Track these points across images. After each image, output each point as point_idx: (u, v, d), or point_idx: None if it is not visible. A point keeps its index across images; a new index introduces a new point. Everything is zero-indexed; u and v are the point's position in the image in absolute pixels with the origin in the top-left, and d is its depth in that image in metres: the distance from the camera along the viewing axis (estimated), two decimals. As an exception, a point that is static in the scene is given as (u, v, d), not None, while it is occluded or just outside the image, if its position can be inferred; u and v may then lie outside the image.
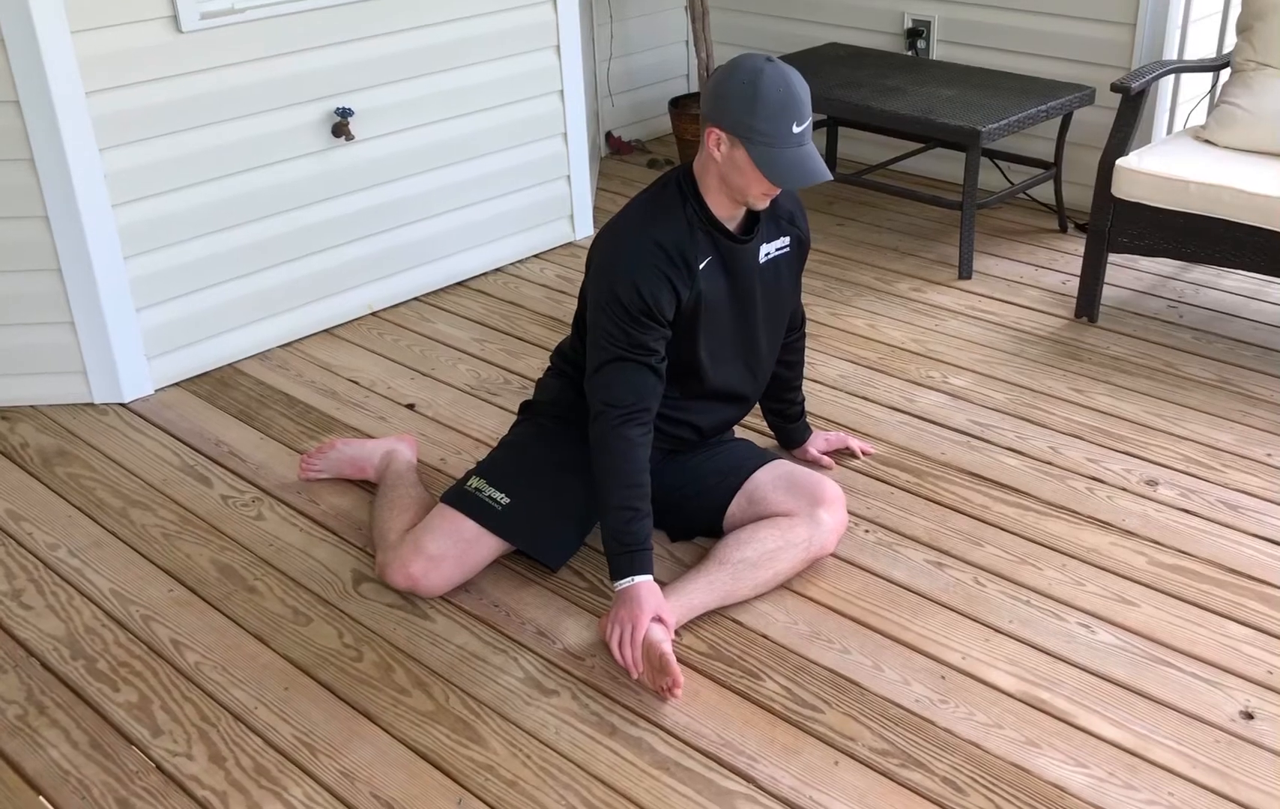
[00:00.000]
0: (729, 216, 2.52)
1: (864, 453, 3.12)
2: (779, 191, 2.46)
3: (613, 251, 2.48)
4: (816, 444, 3.08)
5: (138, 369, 3.54)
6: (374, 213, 3.99)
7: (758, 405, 2.98)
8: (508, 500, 2.61)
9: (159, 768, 2.25)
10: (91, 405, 3.53)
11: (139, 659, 2.52)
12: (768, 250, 2.62)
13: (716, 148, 2.39)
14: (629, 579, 2.41)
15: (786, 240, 2.66)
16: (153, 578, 2.78)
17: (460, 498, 2.65)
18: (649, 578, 2.42)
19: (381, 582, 2.69)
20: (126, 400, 3.54)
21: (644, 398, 2.45)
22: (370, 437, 3.29)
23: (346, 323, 4.02)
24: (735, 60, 2.39)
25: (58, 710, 2.39)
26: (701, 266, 2.49)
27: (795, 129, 2.34)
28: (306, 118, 3.72)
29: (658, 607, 2.40)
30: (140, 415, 3.48)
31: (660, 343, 2.46)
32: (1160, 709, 2.31)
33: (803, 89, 2.37)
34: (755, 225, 2.57)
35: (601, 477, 2.45)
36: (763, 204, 2.48)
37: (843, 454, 3.12)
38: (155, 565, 2.82)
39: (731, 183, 2.42)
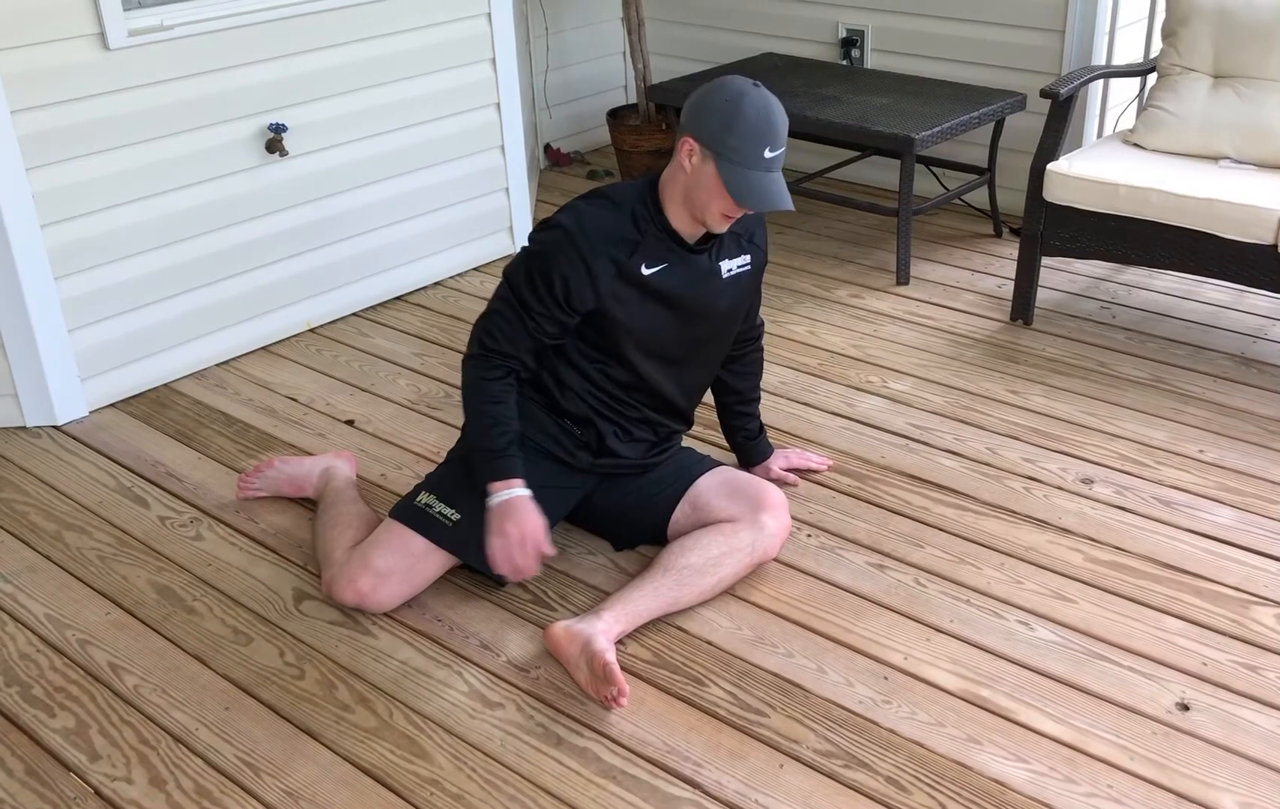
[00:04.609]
0: (689, 232, 2.55)
1: (827, 468, 3.13)
2: (736, 218, 2.50)
3: (544, 227, 2.51)
4: (777, 462, 3.06)
5: (71, 391, 3.49)
6: (310, 229, 3.96)
7: (718, 422, 3.03)
8: (458, 516, 2.59)
9: (98, 793, 2.21)
10: (24, 428, 3.47)
11: (76, 684, 2.48)
12: (729, 267, 2.65)
13: (688, 158, 2.44)
14: (504, 489, 2.50)
15: (748, 258, 2.70)
16: (89, 601, 2.73)
17: (410, 513, 2.63)
18: (522, 486, 2.52)
19: (328, 598, 2.67)
20: (60, 423, 3.49)
21: (516, 351, 2.54)
22: (309, 454, 3.26)
23: (284, 340, 3.98)
24: (721, 79, 2.45)
25: (-8, 739, 2.35)
26: (650, 271, 2.52)
27: (767, 154, 2.40)
28: (239, 134, 3.69)
29: (537, 519, 2.51)
30: (75, 438, 3.42)
31: (553, 326, 2.52)
32: (1098, 703, 2.34)
33: (781, 119, 2.43)
34: (711, 240, 2.60)
35: (466, 403, 2.56)
36: (720, 227, 2.52)
37: (804, 471, 3.12)
38: (91, 589, 2.77)
39: (695, 198, 2.47)
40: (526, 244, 2.54)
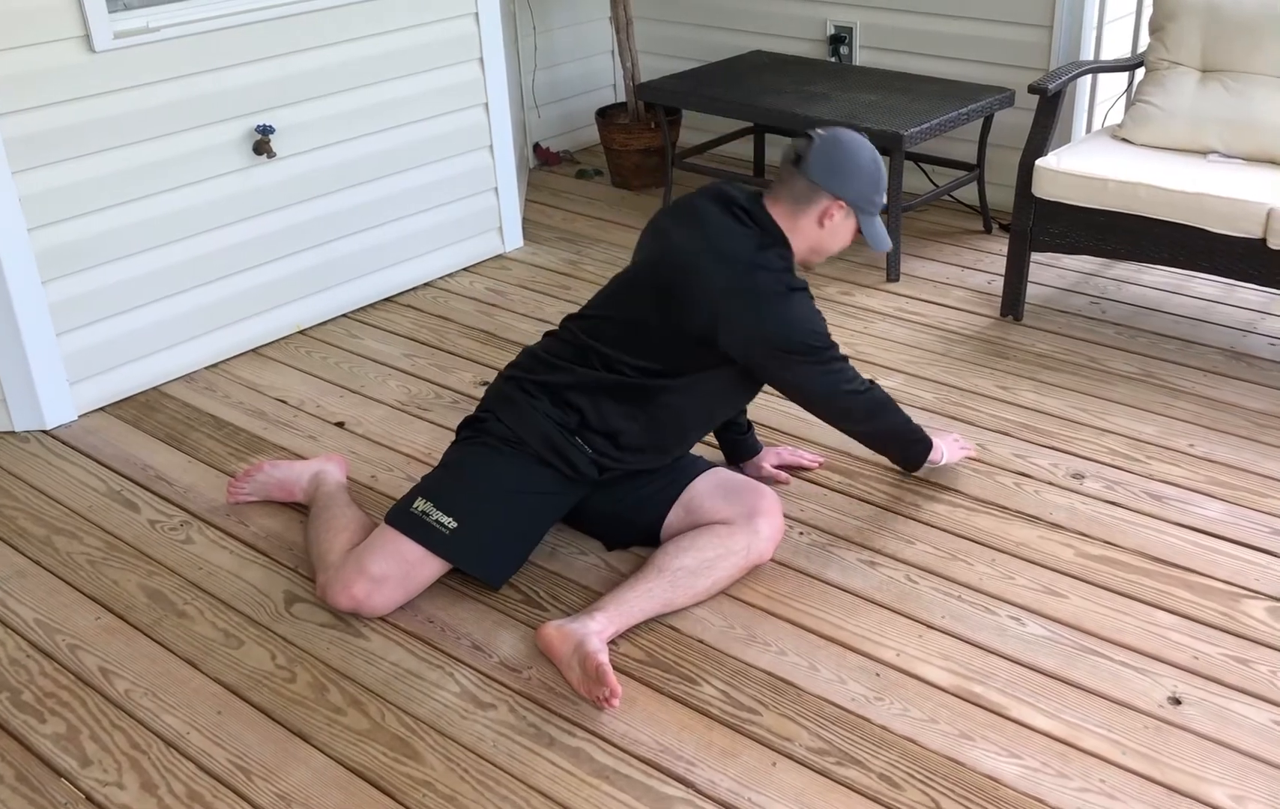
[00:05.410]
0: None
1: (818, 465, 3.13)
2: None
3: (773, 306, 2.57)
4: (769, 460, 3.07)
5: (60, 395, 3.48)
6: (299, 230, 3.95)
7: None
8: (455, 524, 2.58)
9: (89, 798, 2.20)
10: (12, 433, 3.46)
11: (66, 689, 2.47)
12: None
13: (830, 219, 2.62)
14: (938, 443, 2.97)
15: None
16: (79, 606, 2.72)
17: (406, 520, 2.61)
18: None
19: (322, 603, 2.66)
20: (49, 427, 3.48)
21: None
22: (300, 457, 3.25)
23: (273, 342, 3.97)
24: (849, 137, 2.63)
25: (-18, 745, 2.34)
26: None
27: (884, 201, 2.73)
28: (227, 136, 3.68)
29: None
30: (63, 442, 3.41)
31: None
32: (1090, 698, 2.34)
33: None
34: None
35: (885, 412, 2.86)
36: (818, 263, 2.75)
37: (796, 469, 3.12)
38: (81, 593, 2.77)
39: (823, 248, 2.68)
40: (805, 318, 2.62)
